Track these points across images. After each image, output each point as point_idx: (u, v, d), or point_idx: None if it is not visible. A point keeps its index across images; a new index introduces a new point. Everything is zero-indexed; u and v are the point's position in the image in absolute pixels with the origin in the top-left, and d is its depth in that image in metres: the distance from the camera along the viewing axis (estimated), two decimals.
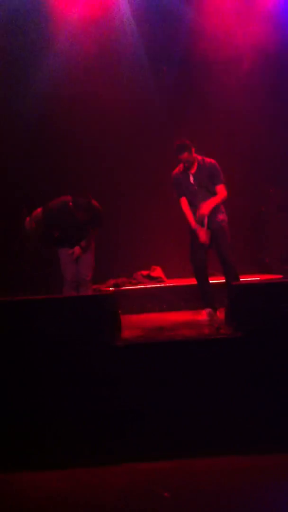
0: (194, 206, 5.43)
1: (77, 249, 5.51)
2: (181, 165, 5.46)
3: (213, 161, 5.42)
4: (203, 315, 5.33)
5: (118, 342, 3.71)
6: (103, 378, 3.55)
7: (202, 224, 5.34)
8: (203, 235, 5.35)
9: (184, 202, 5.50)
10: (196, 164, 5.40)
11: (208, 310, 5.34)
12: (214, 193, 5.38)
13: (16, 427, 3.49)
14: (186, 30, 7.53)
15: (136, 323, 5.12)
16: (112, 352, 3.62)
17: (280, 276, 7.01)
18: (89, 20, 7.29)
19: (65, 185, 6.25)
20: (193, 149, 5.38)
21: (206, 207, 5.31)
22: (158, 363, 3.62)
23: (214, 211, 5.37)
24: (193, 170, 5.40)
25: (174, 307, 6.46)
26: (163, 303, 6.56)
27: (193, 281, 6.51)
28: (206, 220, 5.31)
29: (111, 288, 6.89)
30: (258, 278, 6.93)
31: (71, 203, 5.42)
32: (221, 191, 5.37)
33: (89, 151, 7.26)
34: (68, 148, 7.01)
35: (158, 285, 6.99)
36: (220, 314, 4.94)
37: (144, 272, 7.36)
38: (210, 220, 5.35)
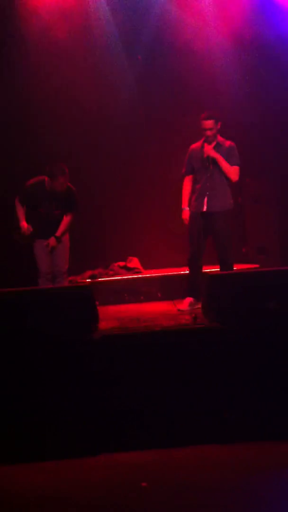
0: (202, 184, 5.37)
1: (52, 240, 5.46)
2: (201, 140, 5.40)
3: (233, 143, 5.39)
4: (184, 304, 5.32)
5: (95, 333, 3.68)
6: (79, 370, 3.53)
7: (208, 163, 5.29)
8: (185, 213, 5.40)
9: (186, 181, 5.50)
10: (215, 142, 5.36)
11: (189, 299, 5.33)
12: (225, 177, 5.34)
13: None
14: (160, 18, 7.47)
15: (113, 315, 5.11)
16: (89, 344, 3.59)
17: (257, 265, 7.05)
18: (61, 10, 7.19)
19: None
20: (219, 124, 5.35)
21: (211, 151, 5.25)
22: (135, 354, 3.61)
23: (220, 194, 5.33)
24: (211, 147, 5.34)
25: (151, 298, 6.46)
26: (140, 294, 6.56)
27: (169, 272, 6.54)
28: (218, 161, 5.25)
29: (87, 280, 6.85)
30: (234, 268, 6.96)
31: (46, 178, 5.39)
32: (235, 170, 5.32)
33: (64, 142, 7.18)
34: (41, 139, 6.91)
35: (135, 276, 6.98)
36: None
37: (121, 263, 7.33)
38: (213, 204, 5.32)
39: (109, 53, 7.57)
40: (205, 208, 5.34)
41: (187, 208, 5.46)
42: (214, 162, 5.32)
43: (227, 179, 5.38)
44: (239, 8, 7.42)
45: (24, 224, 5.46)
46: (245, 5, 7.43)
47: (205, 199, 5.35)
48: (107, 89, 7.46)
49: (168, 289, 6.49)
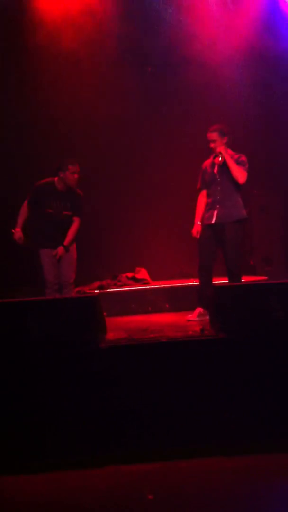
0: (213, 197, 5.44)
1: (60, 250, 5.51)
2: (213, 155, 5.48)
3: (243, 155, 5.43)
4: (193, 315, 5.35)
5: (102, 344, 3.70)
6: (86, 381, 3.54)
7: (218, 163, 5.36)
8: (195, 228, 5.47)
9: (200, 196, 5.58)
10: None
11: (199, 309, 5.36)
12: (236, 185, 5.38)
13: None
14: (169, 30, 7.54)
15: (120, 325, 5.12)
16: (96, 354, 3.61)
17: (265, 277, 7.06)
18: (70, 20, 7.28)
19: None
20: (226, 138, 5.42)
21: (223, 151, 5.30)
22: (142, 364, 3.62)
23: (229, 205, 5.36)
24: (219, 161, 5.39)
25: (158, 309, 6.48)
26: (148, 305, 6.57)
27: (177, 283, 6.56)
28: (222, 158, 5.30)
29: (96, 290, 6.88)
30: (242, 280, 6.96)
31: (56, 179, 5.52)
32: (242, 171, 5.33)
33: (72, 152, 7.24)
34: (49, 149, 7.00)
35: (143, 287, 6.99)
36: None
37: (129, 274, 7.36)
38: (222, 215, 5.36)
39: (118, 64, 7.66)
40: (213, 220, 5.40)
41: (198, 223, 5.55)
42: (222, 171, 5.38)
43: (237, 189, 5.42)
44: (249, 20, 7.49)
45: (18, 230, 5.52)
46: (255, 18, 7.50)
47: (215, 211, 5.41)
48: (116, 101, 7.54)
49: (176, 300, 6.50)
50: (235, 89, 7.79)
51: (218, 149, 5.35)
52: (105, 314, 4.10)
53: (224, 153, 5.32)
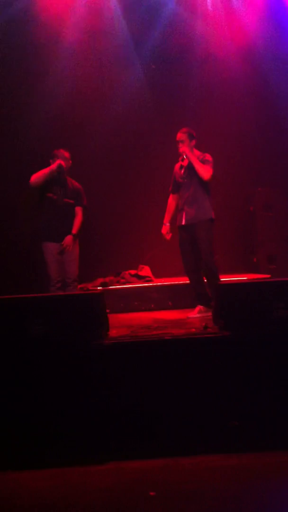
0: (182, 199, 5.54)
1: (68, 238, 5.53)
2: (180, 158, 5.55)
3: (207, 154, 5.48)
4: (194, 312, 5.40)
5: (105, 341, 3.70)
6: (89, 377, 3.55)
7: (183, 164, 5.46)
8: (163, 229, 5.61)
9: (171, 198, 5.72)
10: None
11: (199, 307, 5.41)
12: (204, 188, 5.44)
13: (2, 428, 3.48)
14: (175, 28, 7.53)
15: (123, 322, 5.12)
16: (99, 351, 3.61)
17: (268, 276, 7.04)
18: (71, 17, 7.28)
19: None
20: (194, 141, 5.50)
21: (187, 150, 5.38)
22: (145, 361, 3.62)
23: (196, 206, 5.43)
24: (185, 162, 5.46)
25: (161, 306, 6.48)
26: (151, 303, 6.58)
27: (180, 280, 6.55)
28: (187, 159, 5.39)
29: (99, 287, 6.88)
30: (245, 278, 6.96)
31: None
32: (206, 168, 5.37)
33: (78, 151, 7.25)
34: (50, 148, 7.03)
35: (146, 285, 6.99)
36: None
37: (132, 271, 7.36)
38: (189, 217, 5.44)
39: (123, 61, 7.65)
40: (183, 222, 5.50)
41: (167, 224, 5.67)
42: (189, 173, 5.47)
43: (205, 191, 5.48)
44: (252, 18, 7.47)
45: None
46: (258, 15, 7.49)
47: (183, 213, 5.52)
48: (120, 98, 7.54)
49: (179, 297, 6.50)
50: (239, 87, 7.79)
51: (181, 149, 5.44)
52: (108, 311, 4.11)
53: (188, 153, 5.40)
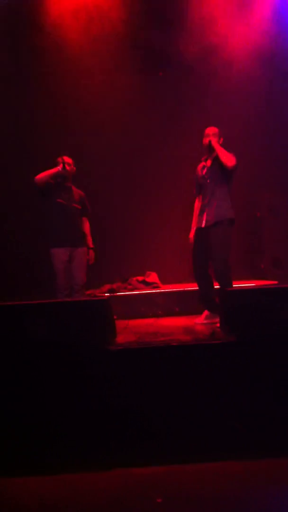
0: (204, 201, 5.47)
1: (91, 255, 5.79)
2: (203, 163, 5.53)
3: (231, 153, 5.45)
4: (200, 318, 5.36)
5: (112, 347, 3.71)
6: (96, 383, 3.55)
7: (210, 153, 5.41)
8: (192, 233, 5.50)
9: (197, 200, 5.63)
10: (213, 158, 5.43)
11: (206, 312, 5.36)
12: (225, 188, 5.38)
13: (7, 433, 3.48)
14: (181, 34, 7.55)
15: (130, 328, 5.12)
16: (106, 357, 3.62)
17: (275, 282, 7.03)
18: (75, 19, 7.32)
19: None
20: (221, 139, 5.45)
21: (214, 139, 5.32)
22: (152, 368, 3.63)
23: (215, 206, 5.33)
24: (209, 163, 5.44)
25: (169, 313, 6.48)
26: (158, 309, 6.58)
27: (188, 287, 6.55)
28: (212, 146, 5.32)
29: (106, 294, 6.89)
30: (253, 284, 6.95)
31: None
32: (230, 156, 5.28)
33: (84, 157, 7.28)
34: (62, 149, 7.05)
35: (153, 291, 7.00)
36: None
37: (140, 278, 7.37)
38: (209, 218, 5.34)
39: (130, 68, 7.68)
40: (203, 224, 5.40)
41: (194, 227, 5.58)
42: (210, 174, 5.42)
43: (226, 191, 5.39)
44: (260, 22, 7.48)
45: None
46: (267, 20, 7.49)
47: (205, 214, 5.41)
48: (125, 104, 7.56)
49: (186, 304, 6.50)
50: (246, 92, 7.79)
51: (207, 139, 5.35)
52: (115, 317, 4.11)
53: (214, 141, 5.31)
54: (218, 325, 4.65)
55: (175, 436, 3.47)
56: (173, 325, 5.45)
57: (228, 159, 5.24)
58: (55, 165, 5.66)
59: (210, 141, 5.31)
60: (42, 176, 5.53)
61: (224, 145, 5.39)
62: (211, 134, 5.38)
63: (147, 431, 3.47)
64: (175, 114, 7.79)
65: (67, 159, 5.68)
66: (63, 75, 7.44)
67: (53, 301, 4.91)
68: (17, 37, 7.28)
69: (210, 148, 5.34)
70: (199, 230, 5.44)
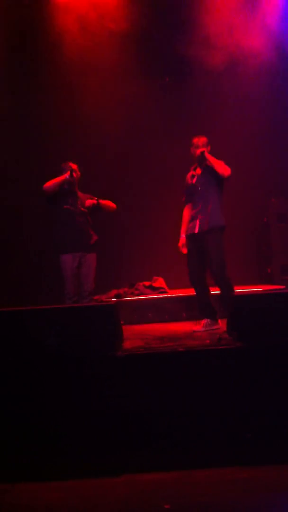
0: (195, 208, 5.49)
1: (93, 200, 5.72)
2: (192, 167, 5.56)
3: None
4: (199, 325, 5.33)
5: (119, 352, 3.70)
6: (103, 389, 3.55)
7: (200, 163, 5.43)
8: (180, 240, 5.54)
9: (186, 208, 5.65)
10: (204, 166, 5.46)
11: (205, 320, 5.34)
12: (217, 195, 5.41)
13: (15, 438, 3.48)
14: (188, 39, 7.54)
15: (137, 334, 5.12)
16: (113, 363, 3.61)
17: (283, 287, 7.01)
18: (81, 24, 7.34)
19: None
20: (209, 147, 5.48)
21: (203, 150, 5.35)
22: (159, 373, 3.62)
23: (208, 213, 5.37)
24: (199, 171, 5.47)
25: (175, 318, 6.47)
26: (165, 314, 6.57)
27: (194, 292, 6.53)
28: (205, 157, 5.33)
29: (113, 299, 6.89)
30: (260, 289, 6.93)
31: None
32: (222, 164, 5.32)
33: (90, 160, 7.29)
34: (68, 156, 7.07)
35: (160, 296, 6.99)
36: (222, 325, 4.94)
37: (146, 283, 7.36)
38: (202, 224, 5.37)
39: (135, 75, 7.69)
40: (196, 230, 5.43)
41: (183, 235, 5.60)
42: (201, 181, 5.46)
43: (217, 198, 5.44)
44: (267, 31, 7.48)
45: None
46: (274, 27, 7.49)
47: (197, 221, 5.44)
48: (132, 107, 7.58)
49: (193, 309, 6.48)
50: (253, 97, 7.79)
51: (199, 150, 5.38)
52: (122, 322, 4.11)
53: (206, 153, 5.35)
54: (220, 331, 4.63)
55: (183, 442, 3.46)
56: (180, 330, 5.44)
57: (224, 169, 5.32)
58: (60, 171, 5.67)
59: (202, 152, 5.33)
60: (50, 184, 5.55)
61: (230, 151, 5.41)
62: (201, 145, 5.43)
63: (154, 437, 3.46)
64: (184, 120, 7.79)
65: (71, 165, 5.70)
66: (67, 81, 7.47)
67: (60, 306, 4.93)
68: (23, 44, 7.31)
69: (201, 159, 5.36)
70: (191, 236, 5.46)
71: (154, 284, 7.35)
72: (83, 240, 5.63)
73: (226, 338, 4.05)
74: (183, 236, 5.60)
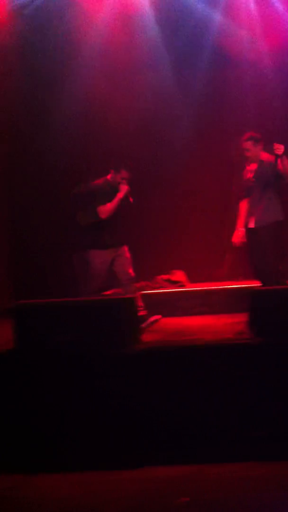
0: (252, 203, 5.45)
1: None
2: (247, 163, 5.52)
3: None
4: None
5: (138, 346, 3.69)
6: (121, 382, 3.54)
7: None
8: (237, 235, 5.46)
9: (242, 202, 5.55)
10: (258, 162, 5.41)
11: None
12: (273, 190, 5.37)
13: (34, 432, 3.50)
14: (211, 34, 7.46)
15: (156, 327, 5.11)
16: (131, 356, 3.60)
17: None
18: (112, 27, 7.30)
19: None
20: (261, 145, 5.41)
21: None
22: (177, 367, 3.60)
23: (261, 209, 5.36)
24: (254, 167, 5.43)
25: (194, 312, 6.42)
26: (183, 308, 6.52)
27: (213, 285, 6.49)
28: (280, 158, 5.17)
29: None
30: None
31: (109, 176, 5.53)
32: None
33: (111, 153, 7.27)
34: (89, 150, 7.05)
35: (179, 290, 6.95)
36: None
37: (165, 276, 7.32)
38: (255, 219, 5.37)
39: (157, 68, 7.63)
40: (252, 225, 5.43)
41: (241, 229, 5.54)
42: (258, 177, 5.37)
43: (275, 194, 5.39)
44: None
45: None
46: None
47: (253, 216, 5.43)
48: (167, 103, 7.52)
49: (212, 303, 6.44)
50: (276, 91, 7.67)
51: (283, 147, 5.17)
52: (160, 316, 4.05)
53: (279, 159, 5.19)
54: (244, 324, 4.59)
55: (200, 436, 3.44)
56: (199, 324, 5.41)
57: None
58: (100, 172, 5.52)
59: (278, 155, 5.14)
60: (110, 211, 5.44)
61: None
62: (247, 151, 5.37)
63: (172, 430, 3.45)
64: (201, 114, 7.70)
65: (125, 173, 5.53)
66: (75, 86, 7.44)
67: (79, 299, 4.92)
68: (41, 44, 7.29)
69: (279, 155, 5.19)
70: (249, 230, 5.45)
71: (173, 278, 7.31)
72: (118, 235, 5.53)
73: (246, 333, 4.01)
74: (240, 229, 5.55)
